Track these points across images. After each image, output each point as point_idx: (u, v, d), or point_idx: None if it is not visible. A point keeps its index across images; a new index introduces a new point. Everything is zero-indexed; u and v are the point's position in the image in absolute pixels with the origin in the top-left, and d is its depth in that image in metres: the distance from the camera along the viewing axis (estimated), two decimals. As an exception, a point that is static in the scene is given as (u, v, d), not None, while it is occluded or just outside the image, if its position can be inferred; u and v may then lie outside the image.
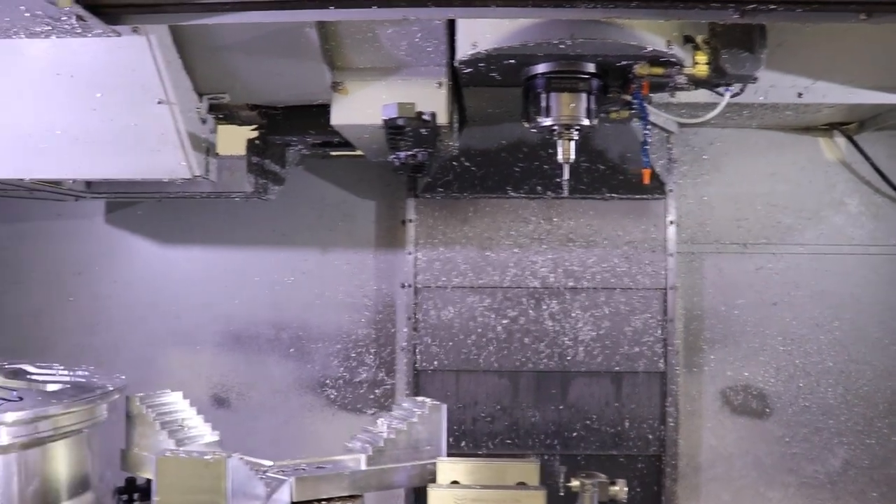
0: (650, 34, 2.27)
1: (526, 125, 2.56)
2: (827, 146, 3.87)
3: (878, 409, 3.83)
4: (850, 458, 3.83)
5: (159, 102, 2.42)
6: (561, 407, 3.74)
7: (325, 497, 1.94)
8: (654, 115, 3.52)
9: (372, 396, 3.89)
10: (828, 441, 3.84)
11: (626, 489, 2.30)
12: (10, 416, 1.91)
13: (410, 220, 3.76)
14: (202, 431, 2.16)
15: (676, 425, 3.74)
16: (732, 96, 2.60)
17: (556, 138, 2.53)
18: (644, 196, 3.70)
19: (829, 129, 3.84)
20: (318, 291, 3.91)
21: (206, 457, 1.66)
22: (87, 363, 2.77)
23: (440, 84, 2.55)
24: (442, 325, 3.75)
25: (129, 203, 3.96)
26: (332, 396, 3.90)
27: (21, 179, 2.77)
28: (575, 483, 2.17)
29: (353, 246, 3.90)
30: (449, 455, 2.10)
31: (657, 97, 2.91)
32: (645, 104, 2.50)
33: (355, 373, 3.90)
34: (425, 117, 2.19)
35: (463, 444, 3.70)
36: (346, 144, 3.01)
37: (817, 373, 3.84)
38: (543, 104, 2.47)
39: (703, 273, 3.86)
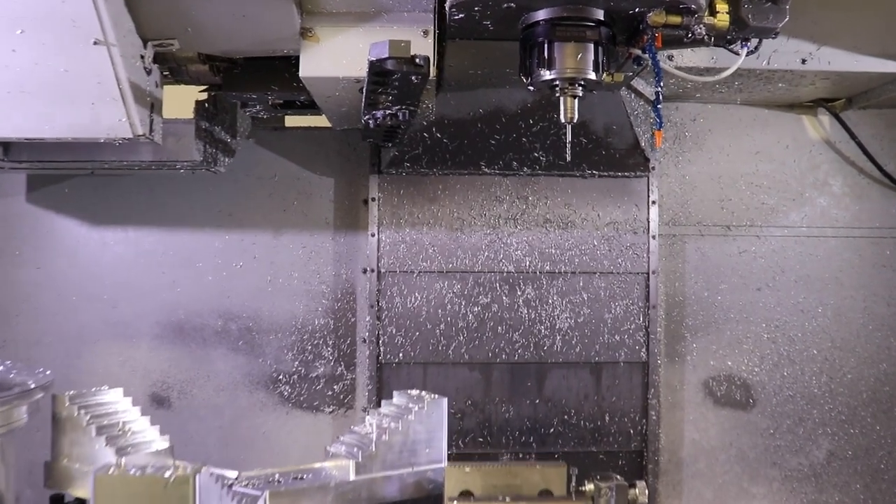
0: (669, -26, 2.00)
1: (524, 81, 2.25)
2: (811, 124, 3.70)
3: (862, 398, 3.68)
4: (834, 450, 3.67)
5: (95, 43, 2.03)
6: (537, 401, 3.46)
7: (307, 514, 1.60)
8: (641, 85, 3.29)
9: (330, 393, 3.53)
10: (812, 432, 3.67)
11: (646, 492, 2.03)
12: None
13: (373, 199, 3.42)
14: (149, 437, 1.77)
15: (658, 419, 3.51)
16: (748, 54, 2.34)
17: (557, 95, 2.23)
18: (626, 174, 3.46)
19: (813, 106, 3.67)
20: (271, 278, 3.53)
21: (164, 473, 1.30)
22: (5, 359, 2.35)
23: (426, 32, 2.23)
24: (408, 313, 3.42)
25: (54, 179, 3.51)
26: (286, 393, 3.53)
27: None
28: (589, 487, 1.89)
29: (308, 227, 3.54)
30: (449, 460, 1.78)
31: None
32: (659, 61, 2.22)
33: (311, 367, 3.54)
34: (419, 61, 1.87)
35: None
36: (311, 106, 2.66)
37: (802, 361, 3.67)
38: (545, 55, 2.16)
39: (685, 257, 3.64)
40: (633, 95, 3.27)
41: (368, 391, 3.43)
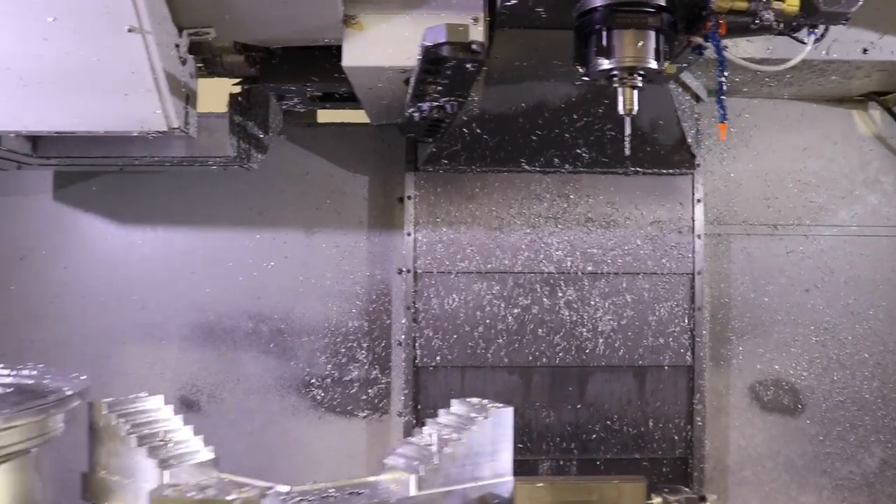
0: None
1: (579, 71, 2.13)
2: (861, 119, 3.56)
3: (917, 404, 3.53)
4: (888, 458, 3.53)
5: (130, 30, 1.93)
6: (578, 406, 3.34)
7: (365, 531, 1.48)
8: (688, 78, 3.17)
9: (364, 397, 3.43)
10: (864, 439, 3.53)
11: (716, 505, 1.91)
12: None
13: (409, 197, 3.31)
14: (193, 447, 1.67)
15: (704, 424, 3.37)
16: (816, 41, 2.21)
17: (615, 86, 2.11)
18: (670, 171, 3.33)
19: (863, 100, 3.53)
20: (303, 278, 3.44)
21: (226, 496, 1.19)
22: (32, 361, 2.26)
23: (476, 19, 2.12)
24: (445, 315, 3.31)
25: (81, 176, 3.43)
26: (319, 398, 3.43)
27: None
28: (657, 500, 1.77)
29: (342, 226, 3.44)
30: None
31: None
32: (723, 50, 2.09)
33: (345, 370, 3.44)
34: (475, 47, 1.75)
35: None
36: (349, 99, 2.55)
37: (852, 365, 3.53)
38: (604, 43, 2.04)
39: (731, 257, 3.51)
40: (680, 89, 3.14)
41: (404, 395, 3.32)
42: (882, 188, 3.56)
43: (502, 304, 3.32)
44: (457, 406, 1.84)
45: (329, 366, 3.44)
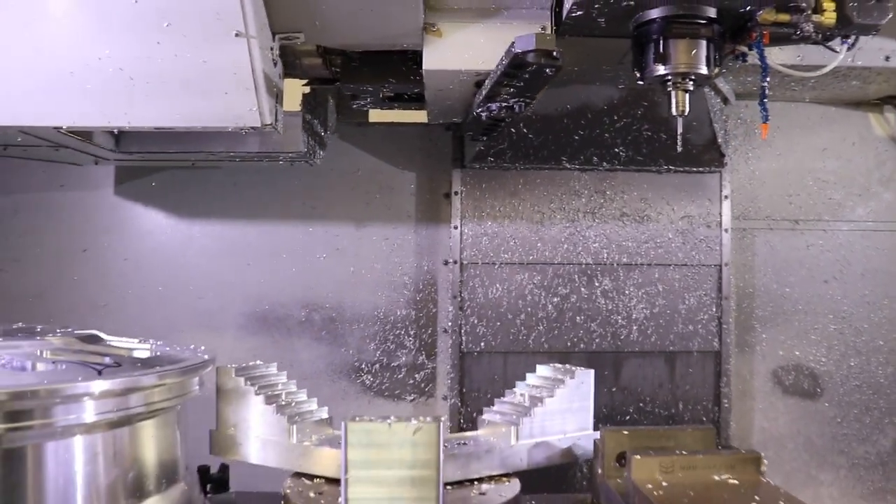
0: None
1: (636, 76, 2.35)
2: (877, 121, 3.78)
3: (928, 389, 3.76)
4: (901, 439, 3.75)
5: (237, 35, 2.14)
6: (613, 389, 3.55)
7: (475, 477, 1.69)
8: (720, 82, 3.38)
9: (411, 382, 3.63)
10: (878, 421, 3.75)
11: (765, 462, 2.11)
12: (98, 386, 1.59)
13: (456, 193, 3.53)
14: (311, 406, 1.87)
15: (730, 407, 3.59)
16: (848, 49, 2.43)
17: (669, 89, 2.33)
18: (700, 169, 3.56)
19: (879, 104, 3.75)
20: (354, 269, 3.64)
21: (413, 421, 1.40)
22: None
23: (544, 29, 2.33)
24: (489, 303, 3.52)
25: (141, 172, 3.62)
26: (369, 382, 3.63)
27: (58, 128, 2.44)
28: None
29: (391, 220, 3.65)
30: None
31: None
32: (766, 57, 2.32)
33: (393, 356, 3.64)
34: (556, 54, 1.97)
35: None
36: (417, 99, 2.76)
37: (868, 351, 3.75)
38: (661, 51, 2.26)
39: (755, 250, 3.73)
40: (712, 92, 3.36)
41: (450, 379, 3.53)
42: None
43: (543, 294, 3.53)
44: (543, 370, 2.05)
45: (378, 352, 3.64)
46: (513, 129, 3.31)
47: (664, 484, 1.49)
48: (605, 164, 3.48)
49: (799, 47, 2.84)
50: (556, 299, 3.53)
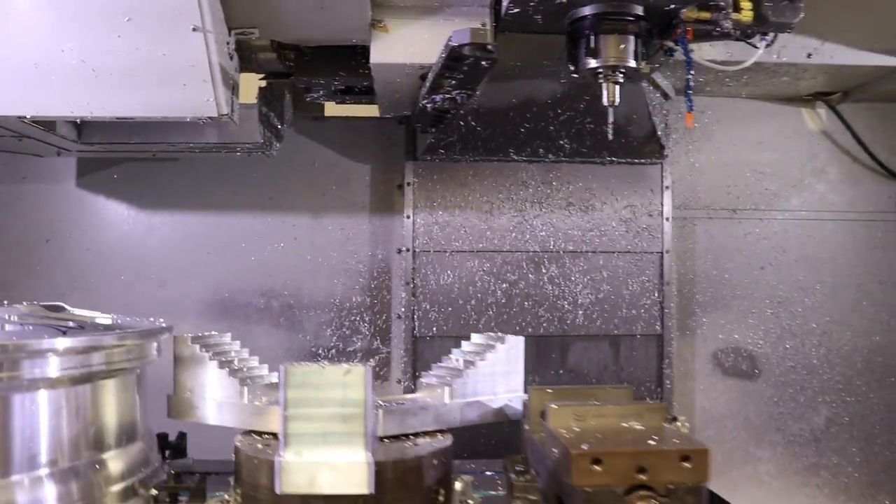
0: (702, -25, 2.27)
1: (570, 69, 2.52)
2: (810, 116, 4.00)
3: (857, 368, 3.98)
4: (832, 416, 3.96)
5: (194, 29, 2.26)
6: (560, 371, 3.72)
7: (411, 432, 1.84)
8: (658, 77, 3.57)
9: (367, 365, 3.76)
10: (812, 400, 3.96)
11: (687, 425, 2.29)
12: (62, 343, 1.73)
13: (409, 184, 3.67)
14: (262, 371, 2.01)
15: (672, 388, 3.78)
16: (766, 46, 2.63)
17: (600, 81, 2.50)
18: (642, 161, 3.73)
19: (811, 99, 3.97)
20: (311, 258, 3.77)
21: (344, 365, 1.56)
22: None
23: (484, 25, 2.49)
24: (441, 290, 3.67)
25: (103, 164, 3.71)
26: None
27: (21, 118, 2.55)
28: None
29: (346, 210, 3.78)
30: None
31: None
32: (690, 52, 2.50)
33: (349, 342, 3.78)
34: (490, 48, 2.12)
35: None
36: (367, 92, 2.90)
37: (802, 334, 3.96)
38: (592, 45, 2.43)
39: (695, 238, 3.92)
40: (651, 87, 3.54)
41: (404, 363, 3.67)
42: (828, 178, 4.00)
43: (492, 280, 3.69)
44: (477, 337, 2.21)
45: (334, 338, 3.77)
46: (461, 123, 3.46)
47: (576, 429, 1.65)
48: (550, 155, 3.64)
49: (728, 44, 3.04)
50: (504, 285, 3.69)
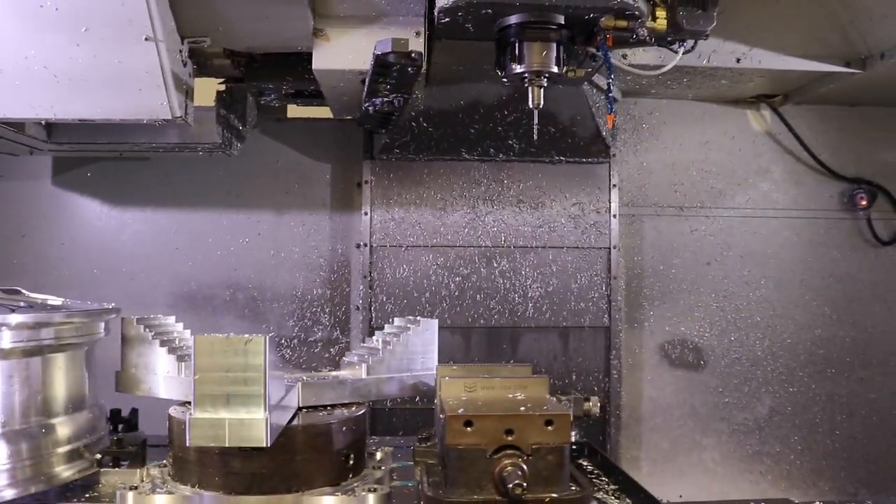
0: (617, -12, 2.45)
1: (499, 74, 2.70)
2: (754, 118, 4.18)
3: (800, 360, 4.15)
4: (775, 406, 4.14)
5: (146, 39, 2.45)
6: (511, 361, 3.89)
7: (329, 403, 2.04)
8: (601, 80, 3.75)
9: (327, 355, 3.95)
10: (756, 390, 4.14)
11: (598, 404, 2.48)
12: (14, 319, 1.93)
13: (366, 182, 3.85)
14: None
15: (620, 378, 3.96)
16: (685, 52, 2.81)
17: (526, 85, 2.68)
18: (589, 160, 3.91)
19: (756, 101, 4.15)
20: (274, 252, 3.95)
21: (244, 336, 1.75)
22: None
23: (418, 33, 2.67)
24: (397, 283, 3.85)
25: (78, 163, 3.90)
26: (287, 356, 3.94)
27: (-13, 120, 2.74)
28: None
29: (308, 207, 3.96)
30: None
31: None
32: (609, 57, 2.68)
33: (310, 332, 3.96)
34: (414, 55, 2.31)
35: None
36: (317, 95, 3.09)
37: (746, 327, 4.14)
38: (517, 52, 2.61)
39: (643, 234, 4.10)
40: (594, 90, 3.73)
41: (362, 352, 3.85)
42: (772, 177, 4.18)
43: (445, 274, 3.87)
44: (398, 321, 2.41)
45: (296, 328, 3.95)
46: (413, 124, 3.65)
47: (463, 398, 1.84)
48: (501, 155, 3.83)
49: (660, 50, 3.22)
50: (457, 279, 3.87)
